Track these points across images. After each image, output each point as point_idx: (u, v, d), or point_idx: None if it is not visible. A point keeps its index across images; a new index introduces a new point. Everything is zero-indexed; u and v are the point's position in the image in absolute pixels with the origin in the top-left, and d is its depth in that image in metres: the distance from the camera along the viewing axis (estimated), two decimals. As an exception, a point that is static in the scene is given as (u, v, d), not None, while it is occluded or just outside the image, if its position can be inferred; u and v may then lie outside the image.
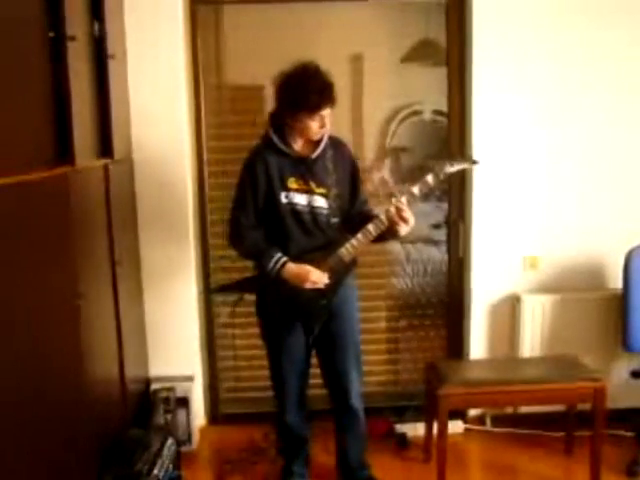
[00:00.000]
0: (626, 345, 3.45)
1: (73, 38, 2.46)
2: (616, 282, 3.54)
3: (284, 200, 2.85)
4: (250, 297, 3.76)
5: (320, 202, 2.88)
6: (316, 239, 2.90)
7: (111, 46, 2.99)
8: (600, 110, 3.60)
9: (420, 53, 3.76)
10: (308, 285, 2.83)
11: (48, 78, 2.35)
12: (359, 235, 2.84)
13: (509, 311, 3.72)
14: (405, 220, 2.79)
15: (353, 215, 2.98)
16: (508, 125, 3.58)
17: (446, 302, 3.94)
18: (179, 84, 3.51)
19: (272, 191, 2.86)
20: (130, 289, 3.39)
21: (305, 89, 2.72)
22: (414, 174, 3.85)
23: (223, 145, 3.75)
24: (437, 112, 3.83)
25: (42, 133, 2.32)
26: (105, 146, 2.97)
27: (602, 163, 3.65)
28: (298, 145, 2.89)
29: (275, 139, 2.87)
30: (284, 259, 2.83)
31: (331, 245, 2.89)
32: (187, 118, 3.59)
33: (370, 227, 2.82)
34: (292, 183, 2.86)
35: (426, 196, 3.05)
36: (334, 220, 2.90)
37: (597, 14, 3.51)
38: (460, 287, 3.87)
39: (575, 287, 3.69)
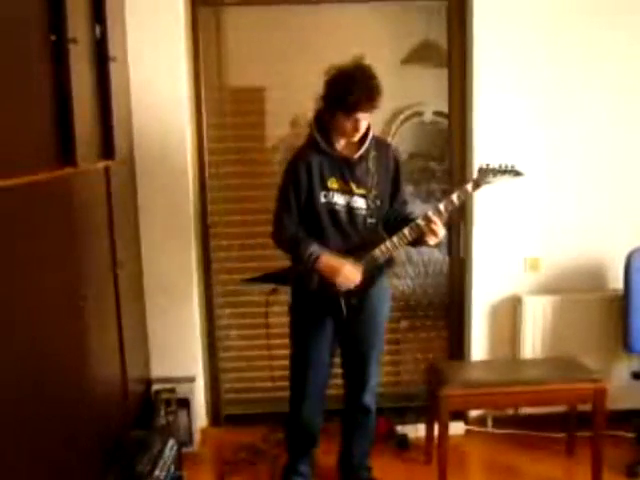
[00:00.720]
0: (627, 346, 3.46)
1: (74, 41, 2.46)
2: (617, 283, 3.54)
3: (323, 200, 2.87)
4: (251, 297, 3.82)
5: (359, 203, 2.89)
6: (352, 239, 2.91)
7: (112, 48, 2.99)
8: (601, 111, 3.60)
9: (421, 55, 3.76)
10: (341, 279, 2.84)
11: (50, 80, 2.36)
12: (394, 238, 2.86)
13: (510, 312, 3.72)
14: (434, 232, 2.82)
15: (392, 216, 2.99)
16: (509, 126, 3.59)
17: (447, 303, 3.95)
18: (180, 86, 3.51)
19: (312, 190, 2.87)
20: (132, 290, 3.40)
21: (346, 89, 2.71)
22: (416, 176, 3.88)
23: (224, 146, 3.75)
24: (438, 113, 3.83)
25: (44, 135, 2.32)
26: (107, 148, 2.97)
27: (603, 164, 3.65)
28: (341, 145, 2.89)
29: (318, 139, 2.88)
30: (321, 250, 2.85)
31: (367, 245, 2.89)
32: (188, 120, 3.59)
33: (406, 231, 2.84)
34: (332, 183, 2.87)
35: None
36: (371, 221, 2.90)
37: (598, 15, 3.51)
38: (461, 288, 3.87)
39: (576, 288, 3.69)
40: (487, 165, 2.85)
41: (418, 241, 2.89)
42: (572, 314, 3.63)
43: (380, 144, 2.97)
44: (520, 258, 3.71)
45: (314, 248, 2.85)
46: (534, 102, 3.57)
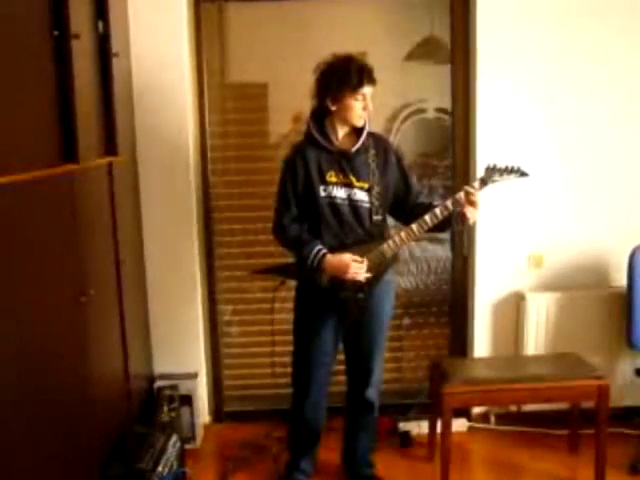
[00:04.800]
0: (630, 343, 3.45)
1: (77, 36, 2.46)
2: (620, 280, 3.54)
3: (323, 194, 2.88)
4: (253, 294, 3.83)
5: (360, 195, 2.89)
6: (355, 234, 2.91)
7: (115, 44, 3.00)
8: (604, 108, 3.59)
9: (424, 51, 3.76)
10: (348, 276, 2.84)
11: (52, 76, 2.36)
12: (402, 233, 2.86)
13: (513, 309, 3.72)
14: (473, 203, 2.81)
15: (410, 207, 2.99)
16: (511, 123, 3.58)
17: (450, 300, 3.94)
18: (183, 82, 3.51)
19: (311, 185, 2.88)
20: (134, 286, 3.39)
21: (346, 69, 2.79)
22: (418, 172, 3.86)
23: (226, 143, 3.75)
24: (441, 110, 3.83)
25: (47, 131, 2.32)
26: (109, 144, 2.97)
27: (606, 161, 3.64)
28: (338, 139, 2.91)
29: (315, 133, 2.90)
30: (324, 251, 2.85)
31: (372, 241, 2.90)
32: (191, 116, 3.59)
33: (427, 218, 2.84)
34: (331, 177, 2.89)
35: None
36: (377, 217, 2.91)
37: (602, 12, 3.50)
38: (464, 285, 3.86)
39: (579, 285, 3.69)
40: (494, 164, 2.85)
41: (448, 223, 2.89)
42: (575, 311, 3.62)
43: (377, 140, 2.99)
44: (523, 255, 3.70)
45: (316, 250, 2.85)
46: (537, 99, 3.56)
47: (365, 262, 2.86)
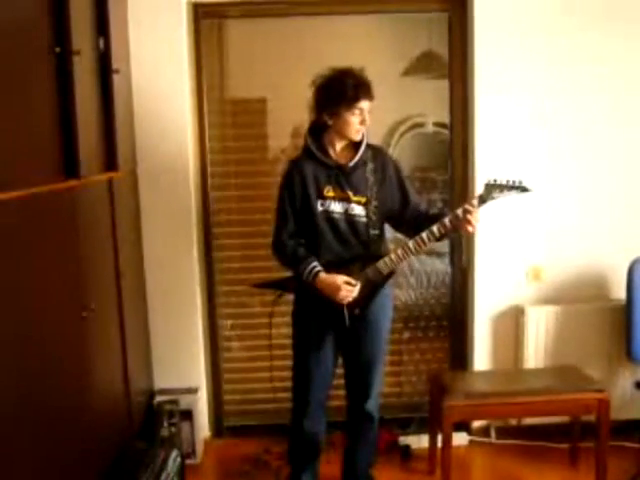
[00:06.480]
0: (630, 356, 3.45)
1: (78, 53, 2.48)
2: (620, 293, 3.54)
3: (320, 208, 2.88)
4: (253, 308, 3.83)
5: (357, 210, 2.89)
6: (352, 249, 2.91)
7: (116, 60, 3.01)
8: (604, 122, 3.60)
9: (422, 65, 3.78)
10: (340, 296, 2.84)
11: (54, 92, 2.37)
12: (399, 250, 2.86)
13: (513, 322, 3.72)
14: (470, 222, 2.79)
15: (409, 219, 2.99)
16: (510, 136, 3.60)
17: (449, 313, 3.95)
18: (183, 97, 3.53)
19: (308, 200, 2.89)
20: (135, 301, 3.40)
21: (342, 83, 2.79)
22: (417, 186, 3.88)
23: (226, 158, 3.77)
24: (439, 124, 3.85)
25: (48, 147, 2.33)
26: (110, 160, 2.98)
27: (606, 174, 3.66)
28: (336, 153, 2.91)
29: (313, 148, 2.90)
30: (318, 269, 2.86)
31: (370, 255, 2.90)
32: (190, 131, 3.60)
33: (410, 244, 2.84)
34: (329, 191, 2.89)
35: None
36: (374, 232, 2.90)
37: (603, 23, 3.52)
38: (463, 298, 3.87)
39: (579, 298, 3.69)
40: (494, 180, 2.81)
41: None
42: (575, 324, 3.62)
43: (376, 153, 2.97)
44: (522, 268, 3.71)
45: (311, 267, 2.86)
46: (535, 113, 3.58)
47: (357, 286, 2.85)
